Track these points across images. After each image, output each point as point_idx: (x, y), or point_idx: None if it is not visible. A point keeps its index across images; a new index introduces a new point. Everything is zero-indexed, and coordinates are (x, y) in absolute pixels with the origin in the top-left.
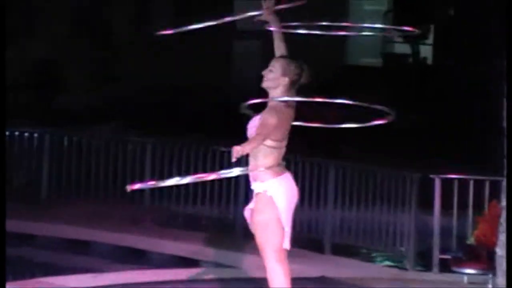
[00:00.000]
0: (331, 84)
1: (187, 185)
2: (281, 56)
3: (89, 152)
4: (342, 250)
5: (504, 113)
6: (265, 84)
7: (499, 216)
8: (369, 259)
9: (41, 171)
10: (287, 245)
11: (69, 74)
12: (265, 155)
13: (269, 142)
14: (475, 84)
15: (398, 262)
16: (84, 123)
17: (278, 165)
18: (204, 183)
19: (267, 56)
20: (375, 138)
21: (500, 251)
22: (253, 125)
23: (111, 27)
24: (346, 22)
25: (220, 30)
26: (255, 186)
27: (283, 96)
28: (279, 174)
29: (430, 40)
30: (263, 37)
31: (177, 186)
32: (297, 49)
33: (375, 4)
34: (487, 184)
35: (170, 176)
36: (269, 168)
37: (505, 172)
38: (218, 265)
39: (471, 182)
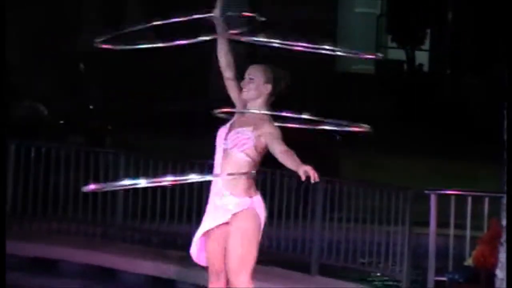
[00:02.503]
0: (323, 92)
1: (163, 202)
2: (258, 64)
3: (57, 164)
4: (331, 271)
5: (504, 125)
6: (246, 96)
7: (499, 236)
8: (359, 280)
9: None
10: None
11: (35, 82)
12: (245, 168)
13: (258, 157)
14: (473, 94)
15: (392, 285)
16: (55, 133)
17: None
18: (182, 200)
19: (252, 58)
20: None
21: (501, 273)
22: (223, 135)
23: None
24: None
25: (200, 31)
26: (239, 201)
27: (264, 105)
28: (257, 191)
29: (426, 45)
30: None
31: (153, 204)
32: (287, 56)
33: (367, 7)
34: (486, 201)
35: (145, 189)
36: (247, 181)
37: (505, 188)
38: (194, 285)
39: (469, 199)
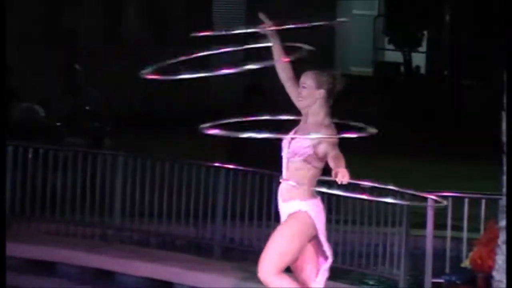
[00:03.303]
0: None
1: (161, 202)
2: (309, 71)
3: (55, 166)
4: (330, 273)
5: (503, 128)
6: (301, 104)
7: (496, 238)
8: (357, 282)
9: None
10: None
11: (33, 83)
12: (312, 176)
13: (320, 164)
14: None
15: (389, 286)
16: (52, 135)
17: (313, 186)
18: (179, 200)
19: (248, 60)
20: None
21: (497, 275)
22: (287, 142)
23: (77, 34)
24: (334, 33)
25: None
26: (291, 205)
27: (322, 110)
28: (316, 196)
29: (424, 47)
30: (241, 41)
31: (151, 205)
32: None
33: (364, 9)
34: (483, 203)
35: (142, 190)
36: (308, 187)
37: (504, 190)
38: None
39: (466, 200)
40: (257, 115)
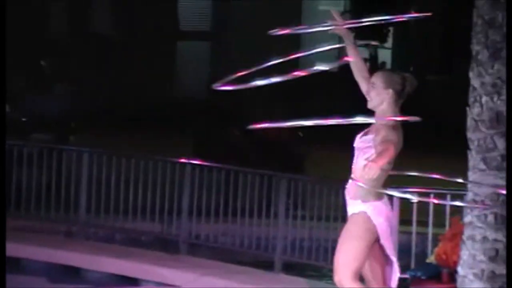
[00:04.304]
0: (288, 90)
1: (126, 199)
2: (380, 70)
3: (20, 162)
4: (294, 268)
5: (468, 124)
6: (369, 104)
7: (461, 233)
8: (323, 278)
9: None
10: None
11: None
12: (375, 177)
13: (384, 166)
14: (436, 91)
15: None
16: (20, 132)
17: (381, 188)
18: (145, 196)
19: (214, 57)
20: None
21: (462, 270)
22: (363, 142)
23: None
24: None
25: (162, 31)
26: (354, 204)
27: (389, 111)
28: (381, 198)
29: (389, 44)
30: (209, 38)
31: (116, 201)
32: (251, 57)
33: (330, 5)
34: (448, 198)
35: (108, 186)
36: (372, 188)
37: (469, 186)
38: (159, 284)
39: (432, 196)
40: (324, 117)
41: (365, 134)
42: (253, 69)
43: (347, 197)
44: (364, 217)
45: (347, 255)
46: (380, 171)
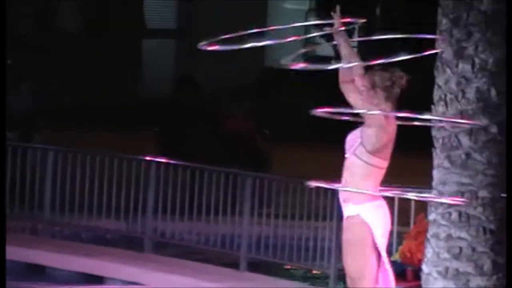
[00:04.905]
0: (253, 88)
1: (91, 196)
2: (370, 72)
3: None
4: (259, 266)
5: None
6: (361, 105)
7: (426, 231)
8: (288, 276)
9: None
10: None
11: None
12: (364, 175)
13: (373, 160)
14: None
15: (320, 280)
16: None
17: (376, 188)
18: (110, 194)
19: (180, 54)
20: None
21: (426, 268)
22: (353, 139)
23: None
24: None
25: (129, 28)
26: (346, 208)
27: (386, 108)
28: (375, 198)
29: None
30: (176, 36)
31: (81, 198)
32: (215, 53)
33: (295, 3)
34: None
35: (73, 184)
36: (363, 188)
37: (433, 184)
38: (124, 282)
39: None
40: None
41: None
42: (239, 34)
43: (340, 200)
44: (358, 221)
45: (357, 264)
46: (373, 170)
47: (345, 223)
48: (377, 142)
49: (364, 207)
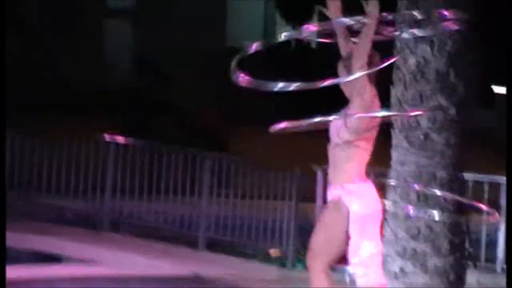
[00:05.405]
0: (214, 68)
1: (49, 176)
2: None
3: None
4: (218, 246)
5: (392, 102)
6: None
7: (384, 211)
8: (246, 256)
9: None
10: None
11: None
12: (348, 157)
13: (356, 141)
14: None
15: (278, 260)
16: None
17: (361, 170)
18: (69, 174)
19: (139, 35)
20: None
21: (385, 248)
22: (337, 127)
23: None
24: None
25: (89, 7)
26: (331, 190)
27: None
28: (361, 180)
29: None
30: (135, 16)
31: (39, 176)
32: (176, 32)
33: None
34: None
35: (31, 164)
36: (350, 172)
37: (392, 167)
38: (82, 261)
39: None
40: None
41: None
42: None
43: (329, 184)
44: (338, 205)
45: (322, 244)
46: (360, 150)
47: (328, 204)
48: (360, 122)
49: (349, 189)
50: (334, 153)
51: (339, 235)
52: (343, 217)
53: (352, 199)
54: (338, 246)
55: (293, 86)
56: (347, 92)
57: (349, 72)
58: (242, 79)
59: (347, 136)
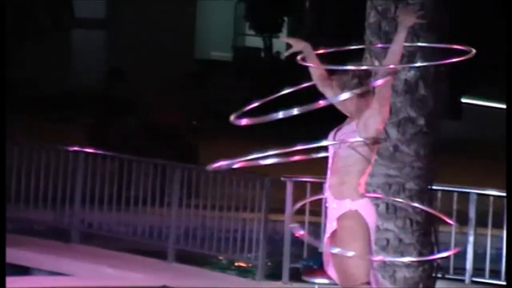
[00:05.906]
0: (183, 79)
1: (18, 187)
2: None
3: None
4: (187, 258)
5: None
6: (344, 110)
7: None
8: (216, 268)
9: None
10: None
11: None
12: (359, 169)
13: (364, 151)
14: None
15: (247, 272)
16: None
17: (365, 184)
18: (37, 185)
19: (109, 45)
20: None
21: None
22: (344, 134)
23: None
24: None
25: (57, 18)
26: (341, 204)
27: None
28: (366, 194)
29: (284, 33)
30: (105, 26)
31: (7, 189)
32: (146, 45)
33: None
34: None
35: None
36: (357, 184)
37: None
38: (51, 273)
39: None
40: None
41: (339, 129)
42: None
43: (331, 198)
44: (356, 214)
45: (355, 258)
46: (366, 163)
47: (340, 220)
48: (376, 125)
49: (360, 203)
50: (339, 162)
51: (367, 248)
52: (364, 228)
53: (369, 211)
54: (368, 260)
55: (295, 111)
56: (348, 108)
57: (358, 86)
58: (245, 122)
59: (363, 149)
